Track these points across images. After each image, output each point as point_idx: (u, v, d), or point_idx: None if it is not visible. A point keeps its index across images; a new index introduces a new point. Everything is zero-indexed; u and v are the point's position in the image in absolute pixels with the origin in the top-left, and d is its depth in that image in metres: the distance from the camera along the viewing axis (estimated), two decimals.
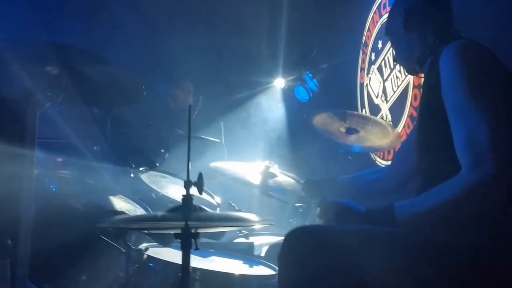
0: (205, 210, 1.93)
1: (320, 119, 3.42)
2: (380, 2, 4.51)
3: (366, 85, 4.85)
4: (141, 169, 3.56)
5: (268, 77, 6.22)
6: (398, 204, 1.89)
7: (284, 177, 3.08)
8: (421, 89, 2.22)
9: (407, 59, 2.28)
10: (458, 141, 1.79)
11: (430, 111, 2.00)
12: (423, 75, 2.24)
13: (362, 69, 4.99)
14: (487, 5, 3.23)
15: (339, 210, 2.04)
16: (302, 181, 2.86)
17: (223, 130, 5.11)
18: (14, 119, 2.22)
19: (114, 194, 3.12)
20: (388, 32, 2.39)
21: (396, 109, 4.17)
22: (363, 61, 4.96)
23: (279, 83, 6.18)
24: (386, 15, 4.31)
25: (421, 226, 1.83)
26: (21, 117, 2.23)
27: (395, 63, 3.91)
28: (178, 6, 5.82)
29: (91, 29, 5.38)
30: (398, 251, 1.80)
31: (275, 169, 3.00)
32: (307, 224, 3.00)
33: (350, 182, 2.78)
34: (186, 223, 1.77)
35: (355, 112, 3.85)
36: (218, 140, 4.60)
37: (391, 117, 4.23)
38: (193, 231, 1.83)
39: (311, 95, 5.88)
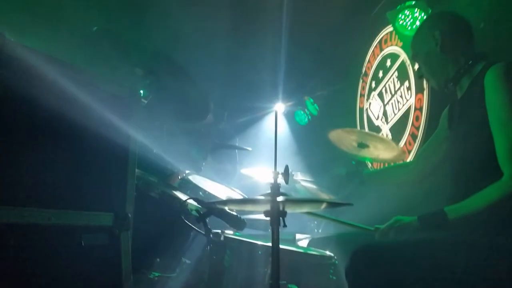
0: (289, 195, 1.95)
1: (335, 135, 3.52)
2: (381, 38, 4.67)
3: (366, 109, 4.99)
4: (186, 171, 3.59)
5: (269, 102, 6.31)
6: (447, 208, 2.01)
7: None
8: (460, 104, 2.29)
9: (440, 76, 2.35)
10: (501, 151, 1.93)
11: (473, 124, 2.11)
12: (457, 89, 2.32)
13: (362, 95, 5.13)
14: None
15: (396, 227, 2.14)
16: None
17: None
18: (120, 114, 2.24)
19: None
20: (418, 53, 2.43)
21: (397, 128, 4.29)
22: (363, 88, 5.11)
23: (279, 108, 6.28)
24: (387, 49, 4.51)
25: (471, 226, 1.93)
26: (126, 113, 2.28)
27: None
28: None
29: None
30: (460, 259, 1.86)
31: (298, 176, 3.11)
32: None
33: (376, 175, 2.98)
34: (276, 202, 1.76)
35: (366, 131, 4.00)
36: (249, 149, 4.62)
37: (392, 136, 4.36)
38: (281, 209, 1.81)
39: (310, 119, 6.04)
